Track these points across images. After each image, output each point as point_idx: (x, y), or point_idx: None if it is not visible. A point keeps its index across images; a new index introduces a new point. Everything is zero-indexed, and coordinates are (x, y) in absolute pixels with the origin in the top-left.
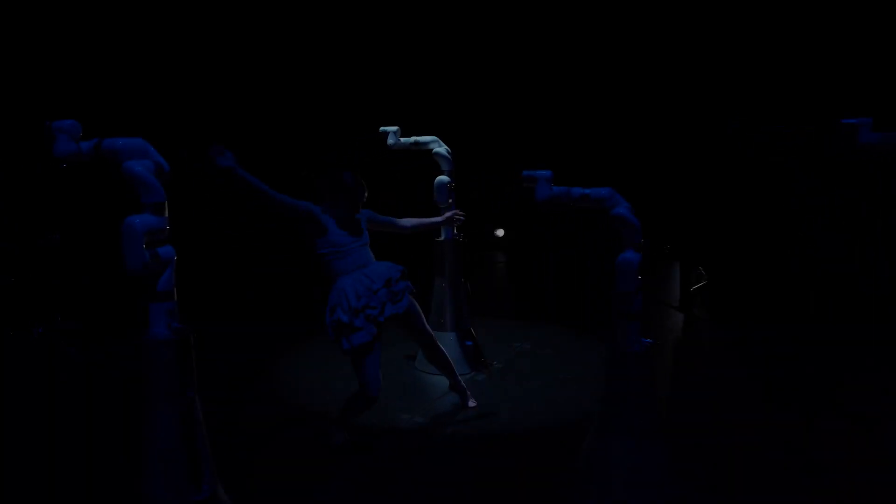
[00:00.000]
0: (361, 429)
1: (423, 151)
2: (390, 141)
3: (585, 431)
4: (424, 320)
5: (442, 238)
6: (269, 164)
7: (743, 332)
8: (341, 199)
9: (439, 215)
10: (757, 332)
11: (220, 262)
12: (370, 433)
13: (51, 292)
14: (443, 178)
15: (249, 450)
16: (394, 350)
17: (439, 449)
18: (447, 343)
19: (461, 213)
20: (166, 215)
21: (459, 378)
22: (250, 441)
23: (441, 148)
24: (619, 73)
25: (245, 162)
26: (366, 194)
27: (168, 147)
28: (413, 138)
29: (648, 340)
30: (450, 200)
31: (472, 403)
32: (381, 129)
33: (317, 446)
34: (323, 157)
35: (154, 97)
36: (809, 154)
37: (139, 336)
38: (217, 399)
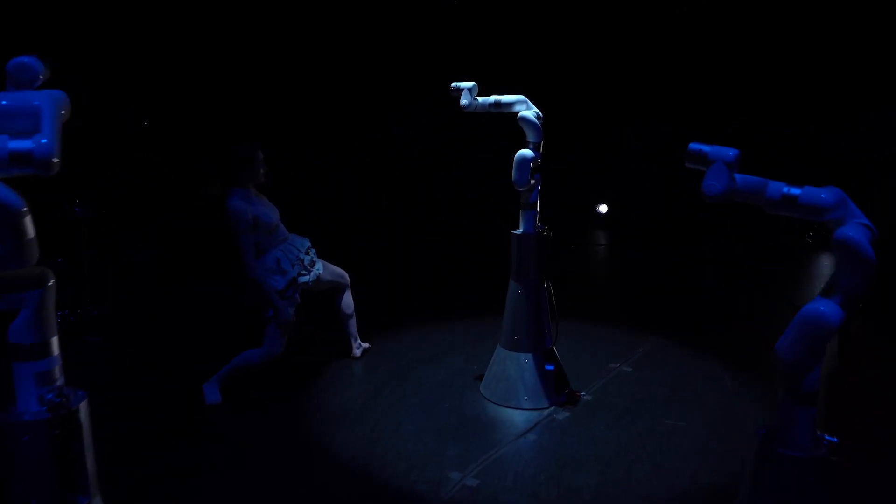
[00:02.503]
0: (389, 486)
1: (506, 115)
2: (464, 101)
3: None
4: (332, 266)
5: (520, 231)
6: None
7: None
8: (245, 177)
9: (518, 199)
10: None
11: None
12: (399, 495)
13: (83, 273)
14: (526, 152)
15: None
16: (454, 364)
17: None
18: (521, 366)
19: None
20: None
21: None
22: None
23: (529, 111)
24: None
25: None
26: (263, 167)
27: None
28: (494, 98)
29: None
30: (532, 181)
31: (357, 352)
32: (454, 85)
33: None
34: (235, 146)
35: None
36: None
37: None
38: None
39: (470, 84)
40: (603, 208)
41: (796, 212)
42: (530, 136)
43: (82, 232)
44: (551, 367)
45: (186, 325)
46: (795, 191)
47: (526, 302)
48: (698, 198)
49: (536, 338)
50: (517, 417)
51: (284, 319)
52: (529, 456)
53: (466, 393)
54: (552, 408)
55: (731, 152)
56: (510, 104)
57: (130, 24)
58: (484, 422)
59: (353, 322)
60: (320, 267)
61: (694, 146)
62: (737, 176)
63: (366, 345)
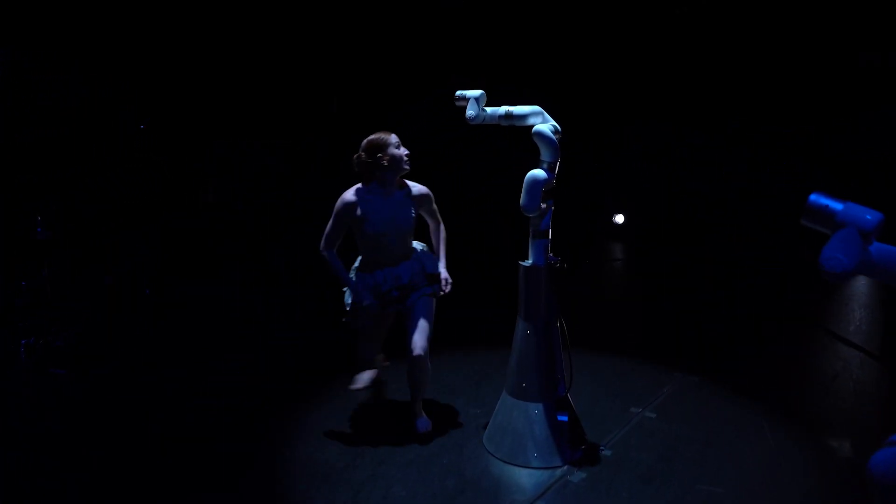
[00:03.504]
0: None
1: (519, 129)
2: (470, 112)
3: None
4: (426, 328)
5: (529, 263)
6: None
7: None
8: (380, 173)
9: (527, 225)
10: None
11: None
12: None
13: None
14: (538, 173)
15: None
16: (455, 408)
17: None
18: (530, 418)
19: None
20: None
21: (420, 402)
22: None
23: (545, 125)
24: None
25: None
26: (406, 161)
27: None
28: (504, 108)
29: None
30: (543, 205)
31: (422, 428)
32: (459, 93)
33: None
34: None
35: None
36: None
37: None
38: None
39: (477, 93)
40: (619, 219)
41: None
42: (545, 155)
43: (45, 255)
44: (565, 418)
45: (171, 341)
46: None
47: (535, 344)
48: (698, 198)
49: (547, 385)
50: (525, 479)
51: (358, 324)
52: None
53: (468, 446)
54: (566, 466)
55: (869, 216)
56: (523, 116)
57: (129, 23)
58: (486, 485)
59: (417, 394)
60: (407, 301)
61: (818, 200)
62: (873, 247)
63: (424, 424)
